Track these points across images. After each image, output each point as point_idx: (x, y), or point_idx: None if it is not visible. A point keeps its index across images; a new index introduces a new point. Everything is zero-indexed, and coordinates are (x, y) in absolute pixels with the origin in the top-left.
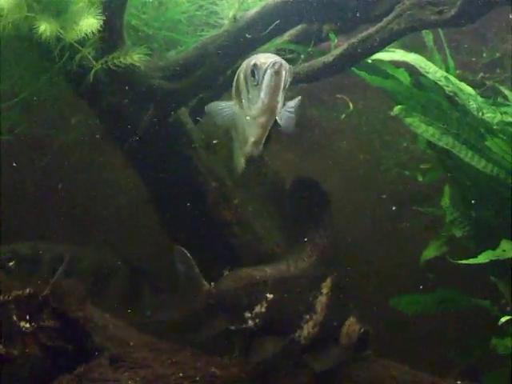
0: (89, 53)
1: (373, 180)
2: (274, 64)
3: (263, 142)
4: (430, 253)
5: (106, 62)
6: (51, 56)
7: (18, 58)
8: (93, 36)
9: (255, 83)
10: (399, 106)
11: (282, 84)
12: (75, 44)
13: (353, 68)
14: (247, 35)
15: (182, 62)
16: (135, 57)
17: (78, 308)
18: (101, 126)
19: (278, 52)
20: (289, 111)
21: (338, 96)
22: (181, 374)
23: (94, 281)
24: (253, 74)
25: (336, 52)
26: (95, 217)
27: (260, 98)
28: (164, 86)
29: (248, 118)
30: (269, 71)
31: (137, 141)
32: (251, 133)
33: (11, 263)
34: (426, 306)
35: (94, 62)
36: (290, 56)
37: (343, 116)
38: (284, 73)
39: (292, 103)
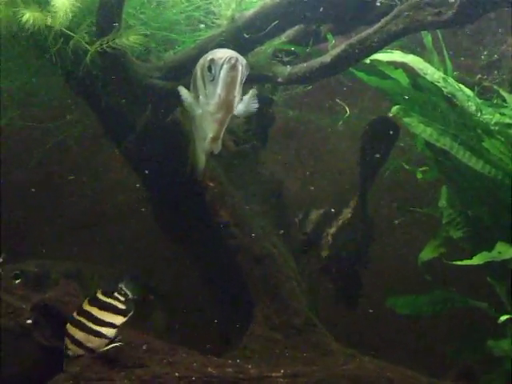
0: (83, 38)
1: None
2: (230, 59)
3: (221, 137)
4: (427, 254)
5: (101, 44)
6: (46, 49)
7: (16, 57)
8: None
9: (211, 78)
10: (397, 106)
11: (239, 79)
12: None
13: (351, 69)
14: (245, 35)
15: (180, 62)
16: (131, 38)
17: (74, 307)
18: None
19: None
20: (247, 101)
21: (337, 100)
22: (177, 374)
23: None
24: (209, 69)
25: (334, 52)
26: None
27: (216, 92)
28: (162, 86)
29: (205, 113)
30: (225, 66)
31: (135, 140)
32: (209, 128)
33: (17, 281)
34: (423, 307)
35: (88, 46)
36: (287, 58)
37: (340, 122)
38: (240, 68)
39: (247, 96)
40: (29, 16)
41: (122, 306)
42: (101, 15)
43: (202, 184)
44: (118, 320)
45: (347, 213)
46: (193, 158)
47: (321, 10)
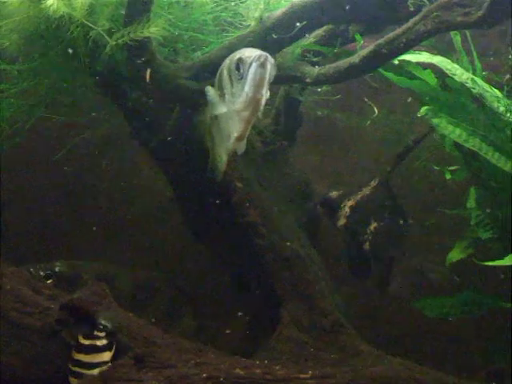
0: (103, 25)
1: (397, 183)
2: (259, 57)
3: (246, 136)
4: (455, 255)
5: (123, 36)
6: (70, 44)
7: (42, 56)
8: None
9: (239, 77)
10: (426, 107)
11: (268, 77)
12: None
13: (379, 69)
14: (273, 36)
15: (208, 63)
16: (152, 29)
17: (103, 307)
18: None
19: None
20: None
21: (365, 100)
22: (205, 375)
23: (133, 301)
24: (237, 68)
25: (362, 53)
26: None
27: (244, 91)
28: (190, 86)
29: (230, 112)
30: (254, 64)
31: (163, 140)
32: (234, 128)
33: (49, 281)
34: (451, 308)
35: (109, 39)
36: (315, 59)
37: (368, 122)
38: (269, 66)
39: None
40: (52, 2)
41: (104, 342)
42: (129, 10)
43: (230, 184)
44: (106, 357)
45: (367, 189)
46: (213, 158)
47: (349, 9)
